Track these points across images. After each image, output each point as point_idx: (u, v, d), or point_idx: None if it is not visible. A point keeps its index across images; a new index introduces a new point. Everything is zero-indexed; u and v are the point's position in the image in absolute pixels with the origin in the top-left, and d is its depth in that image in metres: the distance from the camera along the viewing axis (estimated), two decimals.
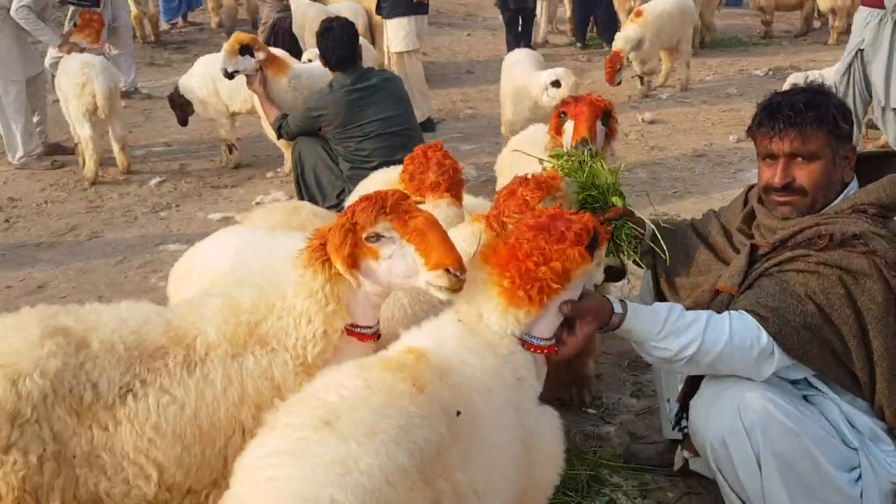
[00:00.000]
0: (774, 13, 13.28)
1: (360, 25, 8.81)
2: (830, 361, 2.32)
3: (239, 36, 6.04)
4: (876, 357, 2.31)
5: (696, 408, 2.44)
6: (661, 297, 2.88)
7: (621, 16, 11.28)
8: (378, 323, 2.32)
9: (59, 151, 7.72)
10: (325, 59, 5.49)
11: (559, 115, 3.33)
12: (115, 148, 7.09)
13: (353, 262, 2.14)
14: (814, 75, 6.01)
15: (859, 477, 2.34)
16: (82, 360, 2.03)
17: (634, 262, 2.80)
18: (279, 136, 5.99)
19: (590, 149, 3.01)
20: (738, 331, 2.27)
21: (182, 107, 7.24)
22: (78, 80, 6.56)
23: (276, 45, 7.82)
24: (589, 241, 2.10)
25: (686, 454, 2.76)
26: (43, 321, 2.08)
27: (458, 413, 1.85)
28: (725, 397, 2.33)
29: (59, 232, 6.05)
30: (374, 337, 2.30)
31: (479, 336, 2.08)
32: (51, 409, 1.97)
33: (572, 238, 2.06)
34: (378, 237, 2.11)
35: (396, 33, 8.22)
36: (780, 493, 2.28)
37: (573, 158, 2.96)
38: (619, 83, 8.86)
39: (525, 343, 2.13)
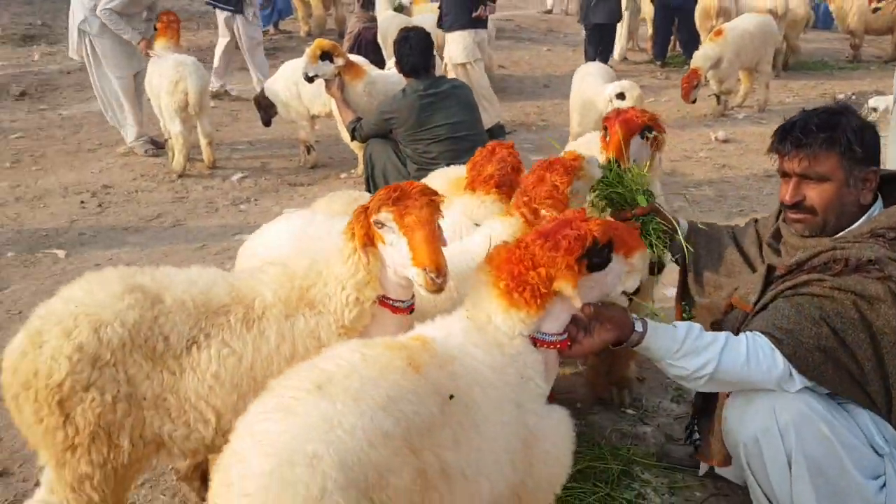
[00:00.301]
0: (864, 37, 12.91)
1: (440, 36, 9.07)
2: (846, 382, 2.33)
3: (321, 42, 6.29)
4: (892, 380, 2.32)
5: (731, 408, 2.47)
6: (685, 291, 2.95)
7: (702, 34, 11.17)
8: (412, 298, 2.46)
9: (151, 145, 8.19)
10: (401, 65, 5.67)
11: (604, 128, 3.44)
12: (203, 143, 7.47)
13: (370, 241, 2.33)
14: (876, 101, 5.90)
15: (884, 484, 2.34)
16: (156, 314, 2.26)
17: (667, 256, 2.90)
18: (353, 138, 6.21)
19: (617, 164, 3.10)
20: (755, 353, 2.31)
21: (266, 108, 7.57)
22: (172, 77, 6.95)
23: (358, 54, 8.08)
24: (584, 251, 2.09)
25: (704, 465, 2.82)
26: (123, 279, 2.32)
27: (451, 397, 1.93)
28: (761, 398, 2.36)
29: (147, 218, 6.44)
30: (406, 311, 2.44)
31: (486, 334, 2.13)
32: (128, 355, 2.20)
33: (565, 247, 2.07)
34: (382, 225, 2.28)
35: (457, 45, 8.52)
36: (809, 496, 2.31)
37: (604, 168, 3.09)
38: (695, 101, 8.82)
39: (536, 340, 2.16)
